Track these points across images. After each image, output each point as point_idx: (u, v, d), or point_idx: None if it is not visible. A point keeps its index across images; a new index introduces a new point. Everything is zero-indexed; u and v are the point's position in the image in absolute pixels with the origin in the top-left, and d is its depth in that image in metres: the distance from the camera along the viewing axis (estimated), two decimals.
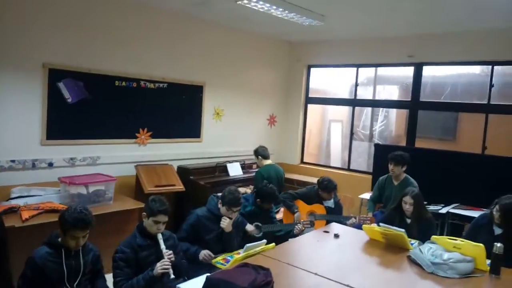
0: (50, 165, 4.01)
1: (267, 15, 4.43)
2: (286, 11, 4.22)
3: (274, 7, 4.08)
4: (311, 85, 6.72)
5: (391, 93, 6.28)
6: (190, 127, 5.32)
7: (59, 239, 2.38)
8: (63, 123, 4.08)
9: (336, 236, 3.21)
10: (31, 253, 2.35)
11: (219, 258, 2.94)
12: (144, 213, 2.63)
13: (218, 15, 4.94)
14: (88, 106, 4.24)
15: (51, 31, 3.88)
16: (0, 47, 3.58)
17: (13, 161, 3.75)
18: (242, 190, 5.04)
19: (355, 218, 3.92)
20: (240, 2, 4.00)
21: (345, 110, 6.50)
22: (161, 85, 4.89)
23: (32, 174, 3.90)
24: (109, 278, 2.59)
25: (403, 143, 5.81)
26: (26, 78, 3.79)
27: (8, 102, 3.69)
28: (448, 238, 2.81)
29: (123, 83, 4.53)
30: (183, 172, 4.86)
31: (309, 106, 6.73)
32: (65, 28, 3.97)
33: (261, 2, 3.97)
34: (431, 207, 4.50)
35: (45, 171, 3.98)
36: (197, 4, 4.42)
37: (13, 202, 3.52)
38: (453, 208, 4.53)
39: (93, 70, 4.24)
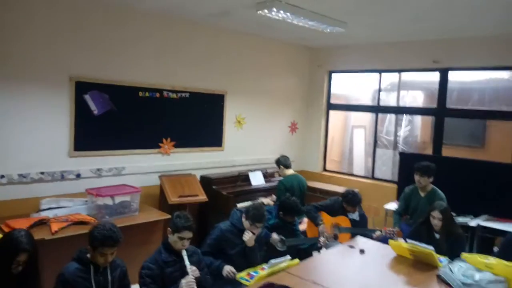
0: (78, 176, 4.11)
1: (288, 23, 4.41)
2: (307, 19, 4.19)
3: (295, 16, 4.05)
4: (332, 91, 6.64)
5: (416, 97, 6.14)
6: (212, 136, 5.35)
7: (88, 255, 2.42)
8: (90, 134, 4.17)
9: (362, 251, 3.16)
10: (60, 266, 2.41)
11: (243, 274, 2.93)
12: (169, 228, 2.65)
13: (238, 24, 4.95)
14: (113, 117, 4.32)
15: (77, 44, 3.97)
16: (28, 61, 3.69)
17: (42, 173, 3.86)
18: (265, 200, 5.04)
19: (381, 231, 3.85)
20: (260, 11, 3.99)
21: (368, 115, 6.40)
22: (183, 94, 4.94)
23: (61, 185, 4.00)
24: None
25: (429, 150, 5.67)
26: (54, 91, 3.90)
27: (37, 115, 3.80)
28: (479, 257, 2.72)
29: (146, 94, 4.59)
30: (205, 181, 4.89)
31: (331, 112, 6.66)
32: (90, 42, 4.07)
33: (281, 12, 3.95)
34: (460, 219, 4.37)
35: (73, 182, 4.08)
36: (217, 14, 4.44)
37: (43, 214, 3.62)
38: (483, 220, 4.39)
39: (118, 81, 4.32)
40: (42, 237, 3.15)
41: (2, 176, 3.60)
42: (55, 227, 3.33)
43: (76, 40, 3.96)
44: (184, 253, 2.60)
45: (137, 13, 4.38)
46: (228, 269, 2.93)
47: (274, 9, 3.82)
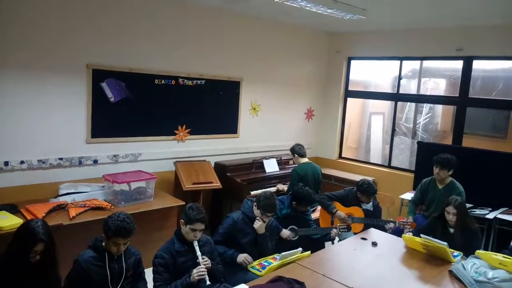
0: (95, 162, 4.19)
1: (306, 10, 4.30)
2: (326, 7, 4.08)
3: (313, 4, 3.94)
4: (351, 77, 6.50)
5: (438, 84, 5.95)
6: (227, 123, 5.35)
7: (103, 243, 2.49)
8: (106, 122, 4.22)
9: (374, 244, 3.14)
10: (77, 251, 2.48)
11: (255, 264, 2.96)
12: (182, 220, 2.69)
13: (255, 10, 4.87)
14: (129, 104, 4.36)
15: (93, 33, 3.98)
16: (46, 50, 3.73)
17: (61, 158, 3.95)
18: (280, 186, 5.06)
19: (394, 222, 3.81)
20: (278, 0, 3.90)
21: (387, 102, 6.27)
22: (199, 82, 4.93)
23: (79, 170, 4.09)
24: (148, 271, 2.68)
25: (449, 139, 5.53)
26: (72, 79, 3.94)
27: (55, 103, 3.86)
28: (494, 254, 2.67)
29: (162, 81, 4.61)
30: (220, 168, 4.92)
31: (349, 99, 6.53)
32: (106, 30, 4.07)
33: (299, 0, 3.85)
34: (477, 211, 4.30)
35: (91, 168, 4.17)
36: (233, 0, 4.37)
37: (61, 199, 3.72)
38: (501, 213, 4.29)
39: (134, 69, 4.33)
40: (61, 222, 3.26)
41: (22, 162, 3.71)
42: (73, 212, 3.42)
43: (92, 29, 3.97)
44: (195, 243, 2.64)
45: (152, 1, 4.35)
46: (243, 256, 2.97)
47: None
